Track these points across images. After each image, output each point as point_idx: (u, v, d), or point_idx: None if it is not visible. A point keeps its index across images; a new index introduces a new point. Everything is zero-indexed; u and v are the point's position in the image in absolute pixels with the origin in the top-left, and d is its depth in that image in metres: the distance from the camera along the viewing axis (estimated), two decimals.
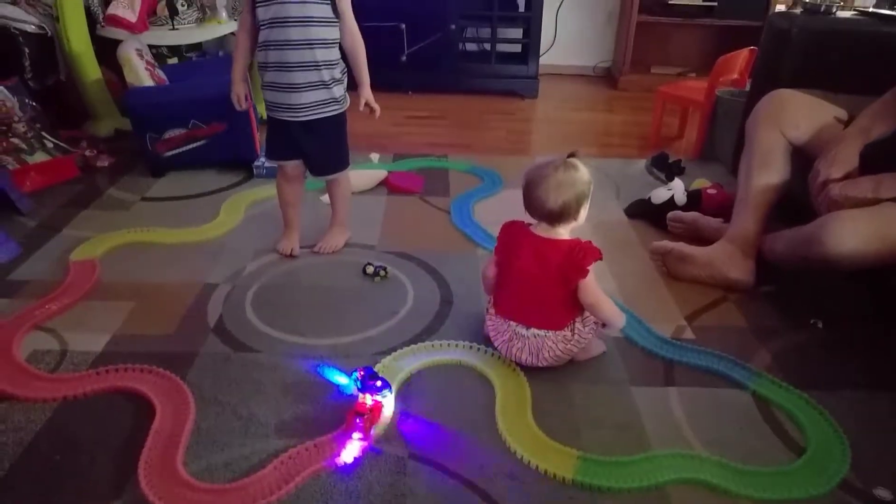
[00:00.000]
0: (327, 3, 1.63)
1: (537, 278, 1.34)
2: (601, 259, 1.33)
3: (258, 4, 1.61)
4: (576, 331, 1.37)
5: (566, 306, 1.36)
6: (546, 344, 1.37)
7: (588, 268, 1.31)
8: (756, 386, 1.38)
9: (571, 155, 1.35)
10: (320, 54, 1.65)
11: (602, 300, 1.35)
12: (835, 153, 1.58)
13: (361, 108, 1.81)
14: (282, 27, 1.60)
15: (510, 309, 1.40)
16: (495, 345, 1.45)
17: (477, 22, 3.68)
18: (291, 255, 1.83)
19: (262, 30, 1.63)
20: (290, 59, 1.64)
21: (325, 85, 1.70)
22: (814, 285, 1.75)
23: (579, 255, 1.31)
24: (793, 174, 1.75)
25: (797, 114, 1.74)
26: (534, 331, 1.36)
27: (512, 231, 1.42)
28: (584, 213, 1.36)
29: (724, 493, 1.14)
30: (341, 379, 1.36)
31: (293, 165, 1.79)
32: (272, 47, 1.63)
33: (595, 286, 1.34)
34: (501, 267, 1.42)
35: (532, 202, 1.34)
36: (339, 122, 1.78)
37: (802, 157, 1.74)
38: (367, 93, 1.83)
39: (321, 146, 1.77)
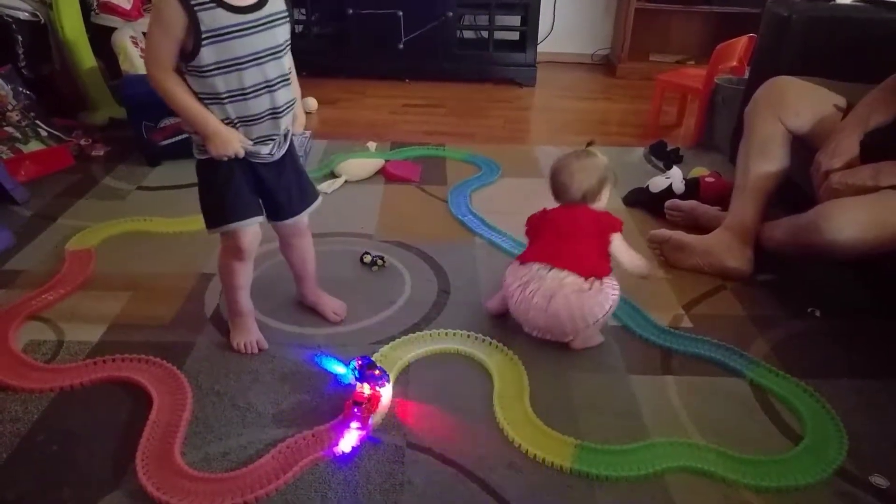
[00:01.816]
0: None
1: (572, 224, 1.44)
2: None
3: (207, 43, 1.13)
4: (593, 287, 1.37)
5: (595, 256, 1.42)
6: (562, 289, 1.36)
7: (620, 227, 1.45)
8: (754, 374, 1.38)
9: (590, 144, 1.52)
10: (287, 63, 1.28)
11: (632, 252, 1.48)
12: (835, 144, 1.58)
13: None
14: (255, 65, 1.19)
15: (538, 253, 1.43)
16: (508, 293, 1.44)
17: (475, 9, 3.65)
18: (261, 351, 1.43)
19: (219, 76, 1.16)
20: (271, 74, 1.22)
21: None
22: (811, 274, 1.75)
23: (609, 217, 1.46)
24: (791, 162, 1.75)
25: (797, 102, 1.73)
26: (556, 272, 1.38)
27: (539, 213, 1.52)
28: (605, 196, 1.48)
29: (722, 481, 1.14)
30: (339, 368, 1.36)
31: (257, 225, 1.33)
32: (248, 93, 1.20)
33: (624, 242, 1.47)
34: (534, 234, 1.50)
35: (557, 188, 1.48)
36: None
37: (801, 145, 1.74)
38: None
39: (296, 171, 1.38)
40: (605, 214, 1.46)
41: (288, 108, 1.28)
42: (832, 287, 1.72)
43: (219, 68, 1.16)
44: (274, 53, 1.21)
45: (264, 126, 1.25)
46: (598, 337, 1.48)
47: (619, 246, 1.46)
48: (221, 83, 1.17)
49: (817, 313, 1.60)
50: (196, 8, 1.10)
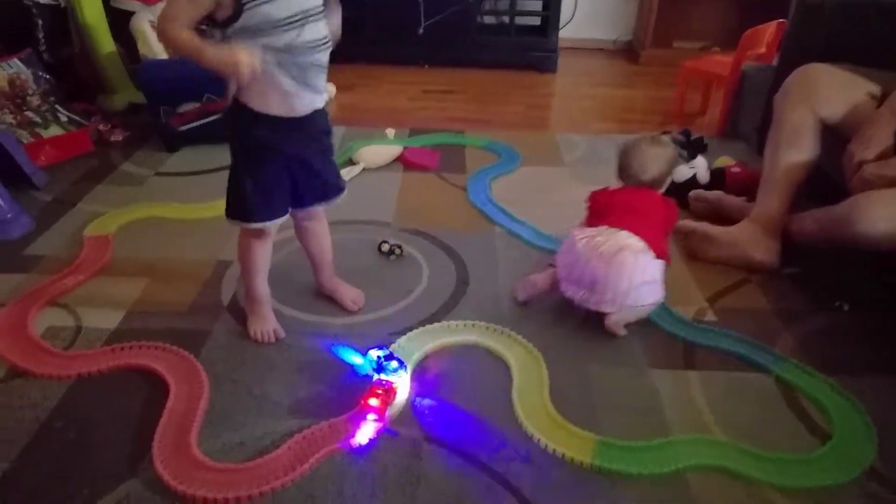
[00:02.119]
0: None
1: (643, 203, 1.48)
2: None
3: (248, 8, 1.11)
4: (657, 289, 1.43)
5: (662, 237, 1.46)
6: (630, 246, 1.39)
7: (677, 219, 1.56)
8: (780, 370, 1.35)
9: (665, 132, 1.59)
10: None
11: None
12: (869, 134, 1.53)
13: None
14: (304, 24, 1.17)
15: (610, 221, 1.45)
16: (570, 243, 1.46)
17: None
18: (277, 341, 1.41)
19: (267, 36, 1.14)
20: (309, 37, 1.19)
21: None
22: (839, 267, 1.70)
23: (675, 207, 1.55)
24: (822, 152, 1.70)
25: (830, 90, 1.68)
26: (626, 233, 1.41)
27: (605, 192, 1.55)
28: (665, 185, 1.55)
29: (746, 480, 1.11)
30: (356, 359, 1.34)
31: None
32: (295, 54, 1.18)
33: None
34: (600, 209, 1.53)
35: (627, 170, 1.53)
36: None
37: (832, 134, 1.69)
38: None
39: (325, 154, 1.36)
40: (672, 203, 1.54)
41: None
42: (860, 281, 1.67)
43: (255, 33, 1.13)
44: (313, 16, 1.18)
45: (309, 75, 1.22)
46: (624, 327, 1.45)
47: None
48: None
49: (846, 307, 1.56)
50: None
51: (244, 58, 1.10)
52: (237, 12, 1.11)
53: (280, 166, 1.28)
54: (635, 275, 1.38)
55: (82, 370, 1.30)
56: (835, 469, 1.13)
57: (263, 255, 1.38)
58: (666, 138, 1.57)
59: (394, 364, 1.25)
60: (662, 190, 1.55)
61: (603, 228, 1.44)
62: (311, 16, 1.18)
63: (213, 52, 1.10)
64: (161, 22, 1.14)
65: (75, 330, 1.43)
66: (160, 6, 2.64)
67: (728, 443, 1.18)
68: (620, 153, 1.55)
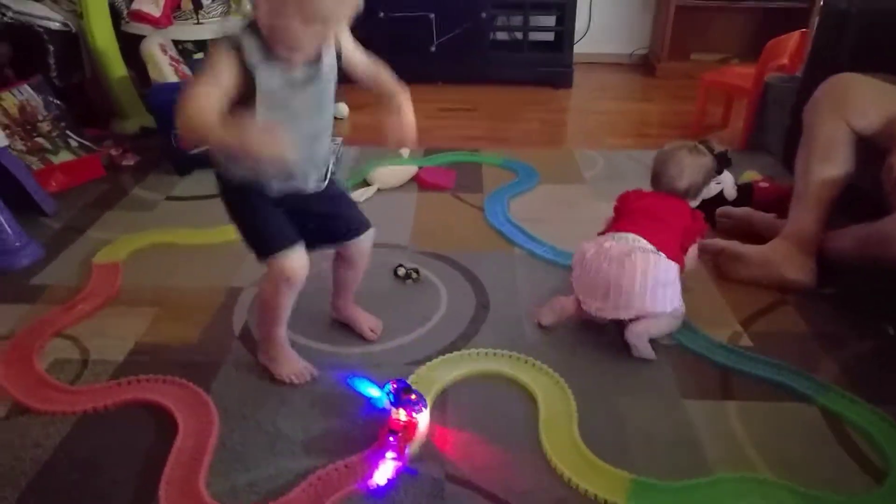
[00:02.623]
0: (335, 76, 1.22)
1: (667, 211, 1.46)
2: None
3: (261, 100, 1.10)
4: (673, 295, 1.39)
5: (678, 247, 1.42)
6: (640, 252, 1.36)
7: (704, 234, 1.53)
8: (825, 400, 1.26)
9: (703, 142, 1.55)
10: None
11: (696, 263, 1.56)
12: None
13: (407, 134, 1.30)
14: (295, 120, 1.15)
15: (625, 225, 1.43)
16: (582, 250, 1.44)
17: (508, 10, 3.57)
18: (313, 379, 1.33)
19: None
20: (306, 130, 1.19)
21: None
22: (881, 287, 1.61)
23: (702, 220, 1.51)
24: (857, 166, 1.62)
25: (864, 101, 1.60)
26: (637, 237, 1.39)
27: (636, 193, 1.55)
28: (700, 196, 1.55)
29: None
30: (373, 391, 1.27)
31: (303, 251, 1.23)
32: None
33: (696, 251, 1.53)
34: (624, 211, 1.51)
35: (662, 177, 1.51)
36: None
37: (867, 148, 1.61)
38: (408, 109, 1.30)
39: (341, 195, 1.35)
40: (700, 218, 1.50)
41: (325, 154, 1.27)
42: None
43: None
44: (324, 106, 1.21)
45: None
46: (652, 349, 1.38)
47: (693, 251, 1.50)
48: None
49: (891, 330, 1.47)
50: (259, 66, 1.07)
51: (287, 148, 1.02)
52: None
53: (265, 203, 1.21)
54: (648, 274, 1.34)
55: (88, 406, 1.24)
56: None
57: (288, 304, 1.28)
58: (704, 148, 1.55)
59: (413, 397, 1.18)
60: (696, 201, 1.54)
61: (613, 234, 1.42)
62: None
63: (257, 139, 1.01)
64: (184, 103, 1.03)
65: (81, 363, 1.38)
66: (172, 29, 2.64)
67: (775, 481, 1.09)
68: (656, 160, 1.54)
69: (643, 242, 1.37)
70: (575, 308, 1.45)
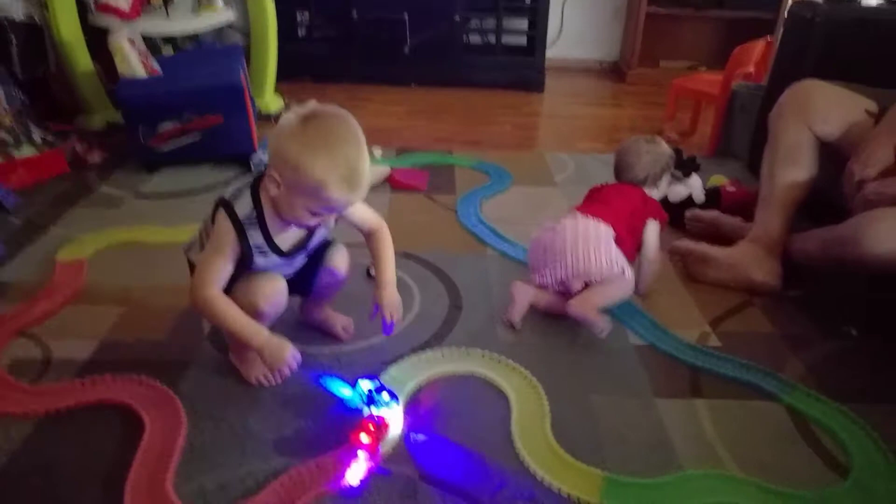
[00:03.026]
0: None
1: (619, 197, 1.53)
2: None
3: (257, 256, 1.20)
4: (617, 254, 1.44)
5: (625, 231, 1.48)
6: (569, 218, 1.47)
7: (663, 219, 1.57)
8: (791, 398, 1.29)
9: (659, 133, 1.63)
10: None
11: (658, 247, 1.57)
12: (869, 152, 1.50)
13: (385, 314, 1.30)
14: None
15: (577, 208, 1.54)
16: (537, 233, 1.52)
17: (481, 13, 3.58)
18: (283, 379, 1.31)
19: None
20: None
21: None
22: (843, 289, 1.66)
23: (657, 205, 1.57)
24: (820, 170, 1.66)
25: (826, 107, 1.65)
26: (579, 214, 1.48)
27: (598, 186, 1.62)
28: (663, 186, 1.62)
29: None
30: (345, 391, 1.26)
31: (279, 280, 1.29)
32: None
33: (657, 235, 1.56)
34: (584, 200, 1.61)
35: (622, 166, 1.59)
36: None
37: (829, 153, 1.65)
38: (390, 294, 1.30)
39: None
40: (653, 201, 1.57)
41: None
42: (867, 303, 1.62)
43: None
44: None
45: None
46: (604, 320, 1.43)
47: (652, 231, 1.54)
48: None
49: (854, 332, 1.51)
50: (254, 250, 1.17)
51: (289, 359, 1.16)
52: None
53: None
54: (589, 239, 1.42)
55: (50, 407, 1.21)
56: None
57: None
58: (659, 138, 1.64)
59: (385, 396, 1.17)
60: (656, 190, 1.60)
61: (574, 214, 1.51)
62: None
63: (265, 342, 1.16)
64: (199, 287, 1.16)
65: (44, 362, 1.34)
66: (139, 22, 2.59)
67: (744, 478, 1.11)
68: (617, 151, 1.62)
69: (583, 218, 1.47)
70: (534, 293, 1.50)
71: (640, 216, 1.52)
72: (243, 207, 1.15)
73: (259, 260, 1.20)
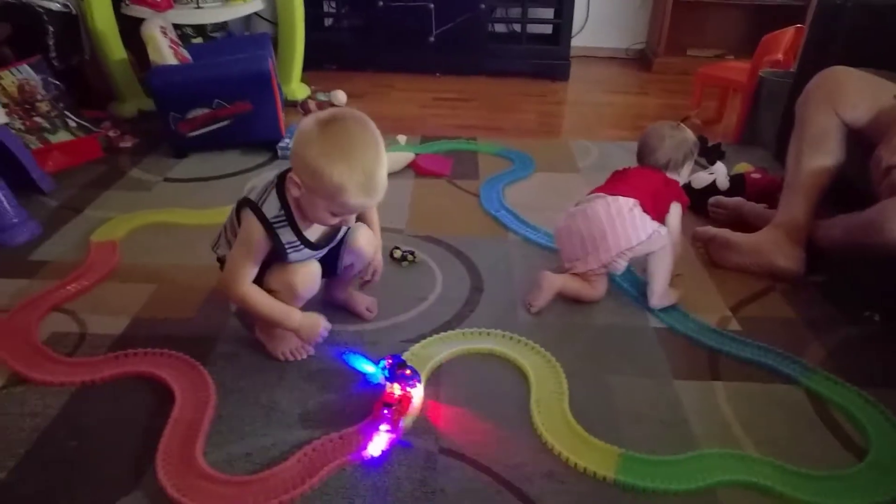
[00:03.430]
0: None
1: (641, 178, 1.52)
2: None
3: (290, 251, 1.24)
4: (637, 213, 1.44)
5: (651, 203, 1.48)
6: (597, 199, 1.48)
7: (685, 202, 1.56)
8: (810, 382, 1.29)
9: (685, 119, 1.63)
10: None
11: (680, 230, 1.56)
12: None
13: (368, 275, 1.41)
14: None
15: (598, 189, 1.55)
16: (557, 225, 1.58)
17: (507, 2, 3.58)
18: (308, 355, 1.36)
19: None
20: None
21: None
22: (867, 276, 1.64)
23: (679, 189, 1.55)
24: (847, 157, 1.65)
25: (854, 93, 1.63)
26: (602, 194, 1.49)
27: (621, 168, 1.60)
28: (685, 173, 1.59)
29: (780, 497, 1.05)
30: (368, 367, 1.29)
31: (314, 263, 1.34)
32: None
33: (680, 218, 1.55)
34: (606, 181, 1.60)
35: (644, 149, 1.57)
36: None
37: (857, 140, 1.63)
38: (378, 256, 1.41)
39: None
40: (675, 183, 1.55)
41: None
42: (890, 289, 1.61)
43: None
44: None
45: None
46: (671, 296, 1.51)
47: (675, 213, 1.53)
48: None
49: (876, 317, 1.50)
50: (288, 248, 1.22)
51: (321, 329, 1.28)
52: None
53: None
54: (624, 216, 1.44)
55: (85, 377, 1.26)
56: (872, 487, 1.07)
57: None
58: (684, 125, 1.61)
59: (407, 372, 1.20)
60: (678, 176, 1.58)
61: (589, 196, 1.54)
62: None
63: (300, 321, 1.26)
64: (232, 287, 1.23)
65: (79, 336, 1.40)
66: (171, 13, 2.65)
67: (759, 458, 1.12)
68: (643, 135, 1.60)
69: (609, 197, 1.47)
70: (561, 282, 1.50)
71: (663, 198, 1.52)
72: (271, 209, 1.18)
73: (293, 255, 1.24)
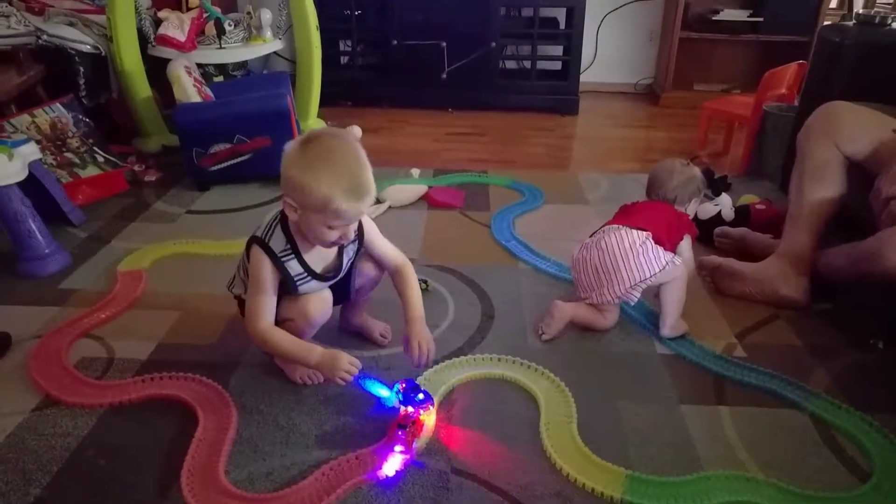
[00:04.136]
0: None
1: (653, 211, 1.58)
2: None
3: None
4: (650, 245, 1.48)
5: (664, 232, 1.53)
6: (612, 232, 1.52)
7: (695, 234, 1.63)
8: (814, 407, 1.32)
9: (694, 158, 1.68)
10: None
11: (692, 259, 1.63)
12: None
13: (414, 350, 1.32)
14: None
15: (611, 220, 1.60)
16: (573, 256, 1.61)
17: (517, 40, 3.69)
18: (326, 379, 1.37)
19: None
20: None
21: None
22: (871, 303, 1.67)
23: (689, 220, 1.62)
24: (848, 188, 1.69)
25: (852, 126, 1.68)
26: (617, 225, 1.54)
27: (630, 203, 1.66)
28: (691, 210, 1.64)
29: None
30: (383, 391, 1.34)
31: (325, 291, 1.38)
32: None
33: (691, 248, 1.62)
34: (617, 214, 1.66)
35: (654, 182, 1.63)
36: None
37: (858, 170, 1.68)
38: (420, 329, 1.34)
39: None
40: (685, 216, 1.61)
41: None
42: (893, 317, 1.63)
43: None
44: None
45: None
46: (682, 326, 1.55)
47: (686, 245, 1.60)
48: None
49: (880, 345, 1.53)
50: (297, 280, 1.27)
51: (346, 365, 1.24)
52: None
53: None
54: (637, 248, 1.48)
55: (114, 399, 1.32)
56: None
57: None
58: (692, 163, 1.68)
59: (420, 396, 1.25)
60: (688, 210, 1.63)
61: (596, 232, 1.59)
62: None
63: (320, 359, 1.25)
64: (251, 324, 1.26)
65: (108, 361, 1.46)
66: (194, 53, 2.77)
67: (764, 479, 1.15)
68: (653, 169, 1.66)
69: (624, 230, 1.52)
70: (573, 311, 1.55)
71: (675, 229, 1.56)
72: (278, 243, 1.25)
73: (303, 287, 1.30)
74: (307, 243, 1.26)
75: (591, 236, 1.60)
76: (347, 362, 1.24)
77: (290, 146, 1.17)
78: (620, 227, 1.53)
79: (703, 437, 1.26)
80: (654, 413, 1.32)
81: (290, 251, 1.25)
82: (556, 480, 1.15)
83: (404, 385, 1.26)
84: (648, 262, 1.47)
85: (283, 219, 1.26)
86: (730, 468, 1.18)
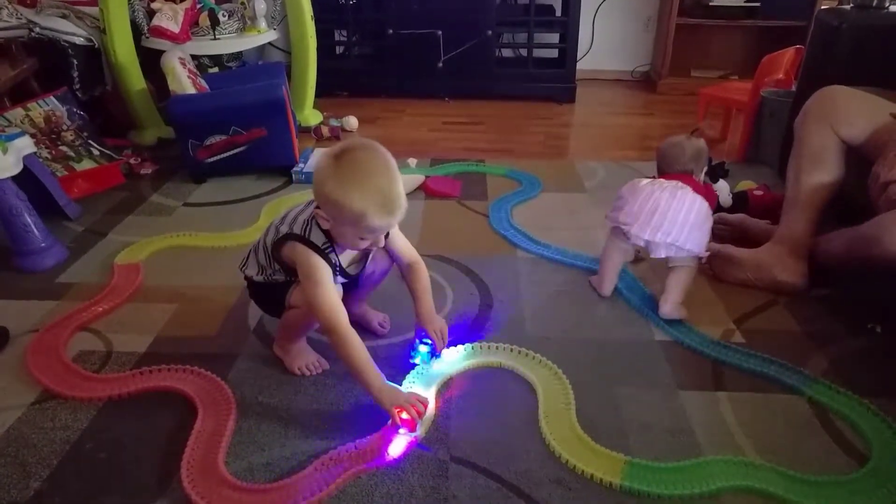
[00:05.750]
0: None
1: (686, 179, 1.58)
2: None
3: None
4: (706, 235, 1.55)
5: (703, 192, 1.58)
6: (690, 191, 1.54)
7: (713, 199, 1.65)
8: (812, 392, 1.32)
9: (695, 131, 1.73)
10: None
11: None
12: (894, 154, 1.52)
13: (438, 340, 1.40)
14: None
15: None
16: (637, 183, 1.61)
17: (513, 28, 3.67)
18: (323, 372, 1.41)
19: None
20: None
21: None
22: (868, 289, 1.68)
23: (714, 192, 1.68)
24: (846, 173, 1.69)
25: (850, 111, 1.68)
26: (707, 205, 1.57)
27: (651, 178, 1.65)
28: (701, 175, 1.66)
29: (782, 502, 1.08)
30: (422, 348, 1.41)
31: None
32: None
33: None
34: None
35: (668, 158, 1.65)
36: None
37: (856, 156, 1.68)
38: (434, 320, 1.41)
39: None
40: (712, 189, 1.67)
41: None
42: (891, 302, 1.64)
43: None
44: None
45: None
46: (682, 311, 1.56)
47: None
48: None
49: (878, 329, 1.53)
50: (336, 271, 1.28)
51: (417, 398, 1.24)
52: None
53: None
54: (693, 210, 1.52)
55: (112, 392, 1.32)
56: (873, 492, 1.10)
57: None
58: (697, 135, 1.71)
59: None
60: (700, 177, 1.64)
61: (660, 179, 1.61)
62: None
63: (382, 387, 1.22)
64: (331, 320, 1.21)
65: (106, 354, 1.46)
66: (189, 44, 2.75)
67: (763, 464, 1.15)
68: (659, 150, 1.68)
69: (689, 189, 1.55)
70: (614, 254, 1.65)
71: (703, 195, 1.59)
72: (318, 237, 1.25)
73: (336, 281, 1.30)
74: (338, 244, 1.27)
75: (655, 178, 1.63)
76: (413, 398, 1.23)
77: (322, 161, 1.18)
78: (697, 194, 1.55)
79: (701, 422, 1.26)
80: (652, 399, 1.32)
81: (329, 246, 1.26)
82: (555, 467, 1.15)
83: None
84: (698, 240, 1.52)
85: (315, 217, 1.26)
86: (729, 453, 1.18)
